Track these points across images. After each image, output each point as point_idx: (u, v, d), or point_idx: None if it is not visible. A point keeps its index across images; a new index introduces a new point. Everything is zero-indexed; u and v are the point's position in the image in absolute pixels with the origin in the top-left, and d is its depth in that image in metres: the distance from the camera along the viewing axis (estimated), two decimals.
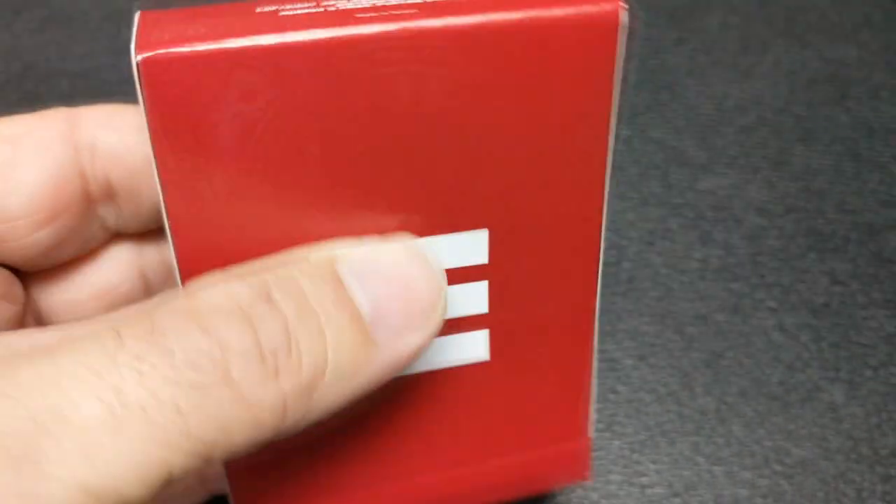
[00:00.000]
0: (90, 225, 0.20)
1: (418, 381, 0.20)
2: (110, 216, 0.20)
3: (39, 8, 0.45)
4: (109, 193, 0.20)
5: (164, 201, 0.16)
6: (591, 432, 0.23)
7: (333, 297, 0.16)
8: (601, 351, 0.30)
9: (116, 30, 0.44)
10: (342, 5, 0.17)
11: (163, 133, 0.15)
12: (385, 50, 0.16)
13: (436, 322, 0.17)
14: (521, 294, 0.20)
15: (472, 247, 0.18)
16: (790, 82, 0.41)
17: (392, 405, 0.20)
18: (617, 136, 0.19)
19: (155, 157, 0.16)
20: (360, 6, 0.16)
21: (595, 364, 0.21)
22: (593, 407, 0.22)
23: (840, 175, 0.37)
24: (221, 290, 0.15)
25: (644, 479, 0.27)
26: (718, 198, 0.36)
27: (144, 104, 0.15)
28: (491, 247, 0.19)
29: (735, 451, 0.28)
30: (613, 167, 0.19)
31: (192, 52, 0.15)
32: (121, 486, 0.14)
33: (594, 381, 0.22)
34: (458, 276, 0.19)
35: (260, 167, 0.16)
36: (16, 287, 0.20)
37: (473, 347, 0.20)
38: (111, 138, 0.19)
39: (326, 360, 0.15)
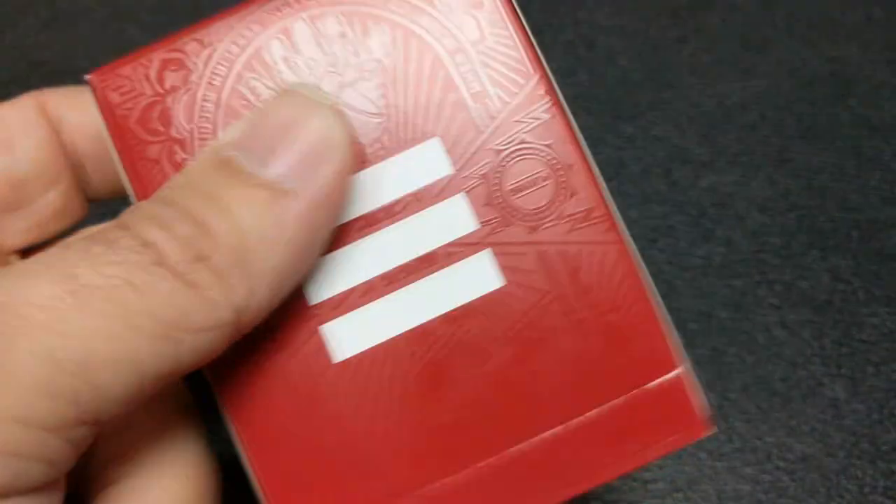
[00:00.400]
0: (79, 193, 0.23)
1: (458, 344, 0.19)
2: (86, 185, 0.24)
3: (45, 7, 0.46)
4: (80, 164, 0.23)
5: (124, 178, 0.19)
6: (685, 365, 0.20)
7: (225, 175, 0.17)
8: None
9: (122, 29, 0.44)
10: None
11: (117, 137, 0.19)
12: None
13: (340, 147, 0.18)
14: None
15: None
16: (792, 80, 0.42)
17: (441, 385, 0.19)
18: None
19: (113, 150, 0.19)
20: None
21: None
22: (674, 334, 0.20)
23: (842, 172, 0.37)
24: (134, 209, 0.17)
25: (646, 475, 0.28)
26: (721, 195, 0.36)
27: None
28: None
29: (737, 447, 0.28)
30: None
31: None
32: (91, 361, 0.15)
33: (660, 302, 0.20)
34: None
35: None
36: None
37: (480, 273, 0.20)
38: (74, 114, 0.23)
39: (243, 228, 0.16)
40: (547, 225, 0.19)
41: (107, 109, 0.19)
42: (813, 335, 0.31)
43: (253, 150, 0.17)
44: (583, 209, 0.20)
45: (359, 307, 0.19)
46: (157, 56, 0.19)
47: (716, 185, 0.37)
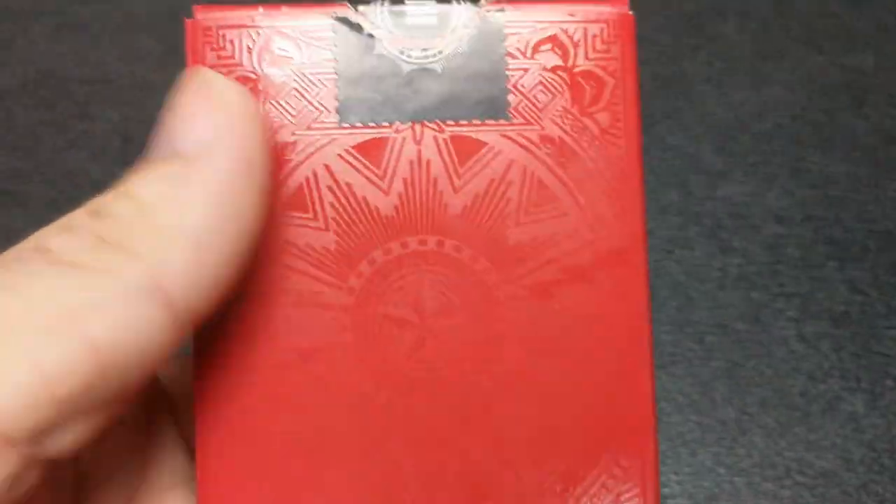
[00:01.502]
0: None
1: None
2: None
3: (54, 14, 0.45)
4: None
5: None
6: None
7: (130, 174, 0.17)
8: None
9: (132, 37, 0.44)
10: None
11: None
12: None
13: (233, 106, 0.17)
14: None
15: None
16: (807, 89, 0.41)
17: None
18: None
19: None
20: None
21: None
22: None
23: (858, 182, 0.37)
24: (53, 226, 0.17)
25: (665, 490, 0.27)
26: (737, 206, 0.36)
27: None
28: None
29: (756, 462, 0.28)
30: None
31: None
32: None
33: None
34: None
35: None
36: None
37: None
38: None
39: (142, 199, 0.16)
40: None
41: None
42: (831, 348, 0.31)
43: (154, 140, 0.17)
44: None
45: None
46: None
47: (731, 195, 0.36)
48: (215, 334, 0.18)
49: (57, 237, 0.16)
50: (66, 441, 0.15)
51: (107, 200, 0.16)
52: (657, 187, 0.37)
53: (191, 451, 0.21)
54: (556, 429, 0.19)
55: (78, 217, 0.16)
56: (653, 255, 0.34)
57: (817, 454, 0.28)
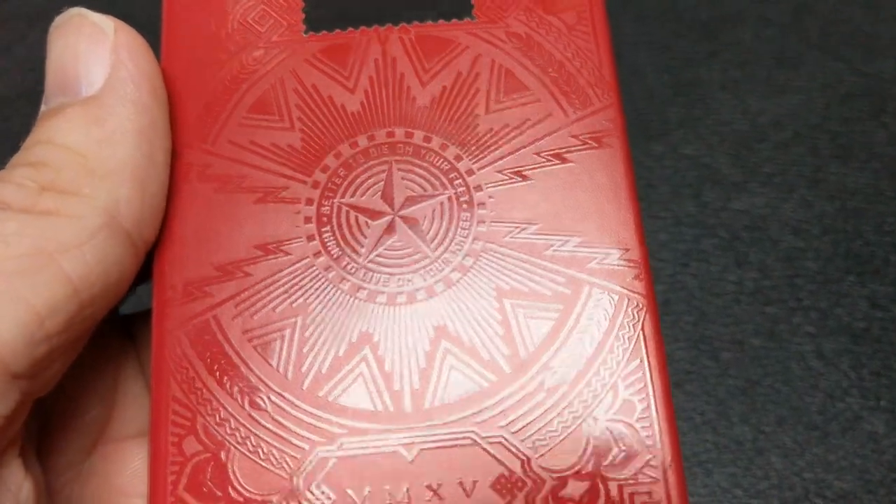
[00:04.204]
0: None
1: None
2: None
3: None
4: None
5: None
6: None
7: (39, 124, 0.18)
8: None
9: None
10: None
11: None
12: None
13: (114, 35, 0.18)
14: None
15: None
16: (825, 97, 0.40)
17: None
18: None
19: None
20: None
21: None
22: None
23: (878, 194, 0.36)
24: None
25: None
26: (753, 217, 0.35)
27: None
28: None
29: (774, 484, 0.27)
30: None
31: None
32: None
33: None
34: None
35: None
36: None
37: None
38: None
39: (71, 145, 0.17)
40: None
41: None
42: (851, 365, 0.30)
43: (48, 90, 0.18)
44: None
45: None
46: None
47: (748, 207, 0.36)
48: (176, 240, 0.18)
49: (2, 190, 0.17)
50: (48, 377, 0.16)
51: (35, 152, 0.17)
52: (672, 198, 0.36)
53: None
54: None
55: (14, 172, 0.17)
56: (668, 267, 0.33)
57: (836, 475, 0.27)
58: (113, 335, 0.20)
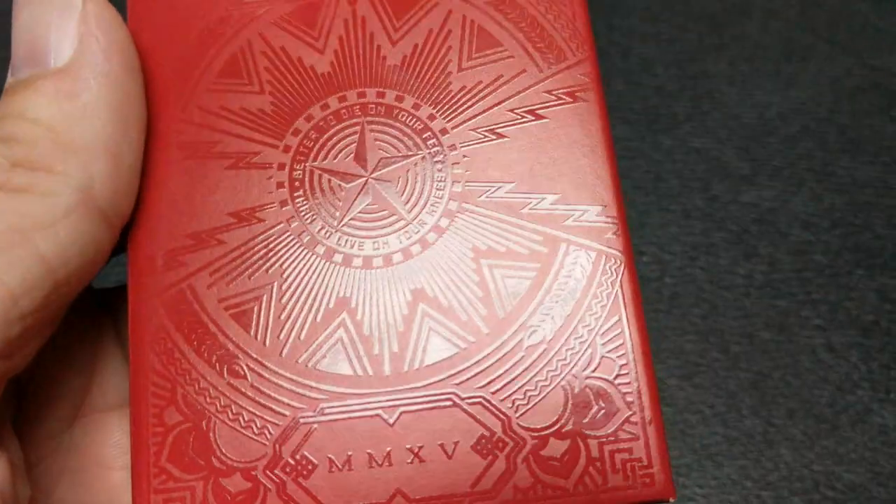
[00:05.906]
0: None
1: None
2: None
3: None
4: None
5: None
6: None
7: (7, 98, 0.17)
8: None
9: None
10: None
11: None
12: None
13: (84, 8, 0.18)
14: None
15: None
16: (834, 91, 0.40)
17: None
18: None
19: None
20: None
21: None
22: None
23: (887, 188, 0.36)
24: None
25: None
26: (762, 211, 0.35)
27: None
28: None
29: (784, 476, 0.27)
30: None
31: None
32: None
33: None
34: None
35: None
36: None
37: None
38: None
39: (43, 119, 0.17)
40: None
41: None
42: (860, 358, 0.30)
43: (17, 61, 0.17)
44: None
45: None
46: None
47: (757, 200, 0.36)
48: (150, 210, 0.18)
49: None
50: (23, 356, 0.16)
51: (4, 127, 0.17)
52: (681, 191, 0.36)
53: None
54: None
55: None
56: (677, 261, 0.33)
57: (846, 467, 0.27)
58: (89, 309, 0.20)
